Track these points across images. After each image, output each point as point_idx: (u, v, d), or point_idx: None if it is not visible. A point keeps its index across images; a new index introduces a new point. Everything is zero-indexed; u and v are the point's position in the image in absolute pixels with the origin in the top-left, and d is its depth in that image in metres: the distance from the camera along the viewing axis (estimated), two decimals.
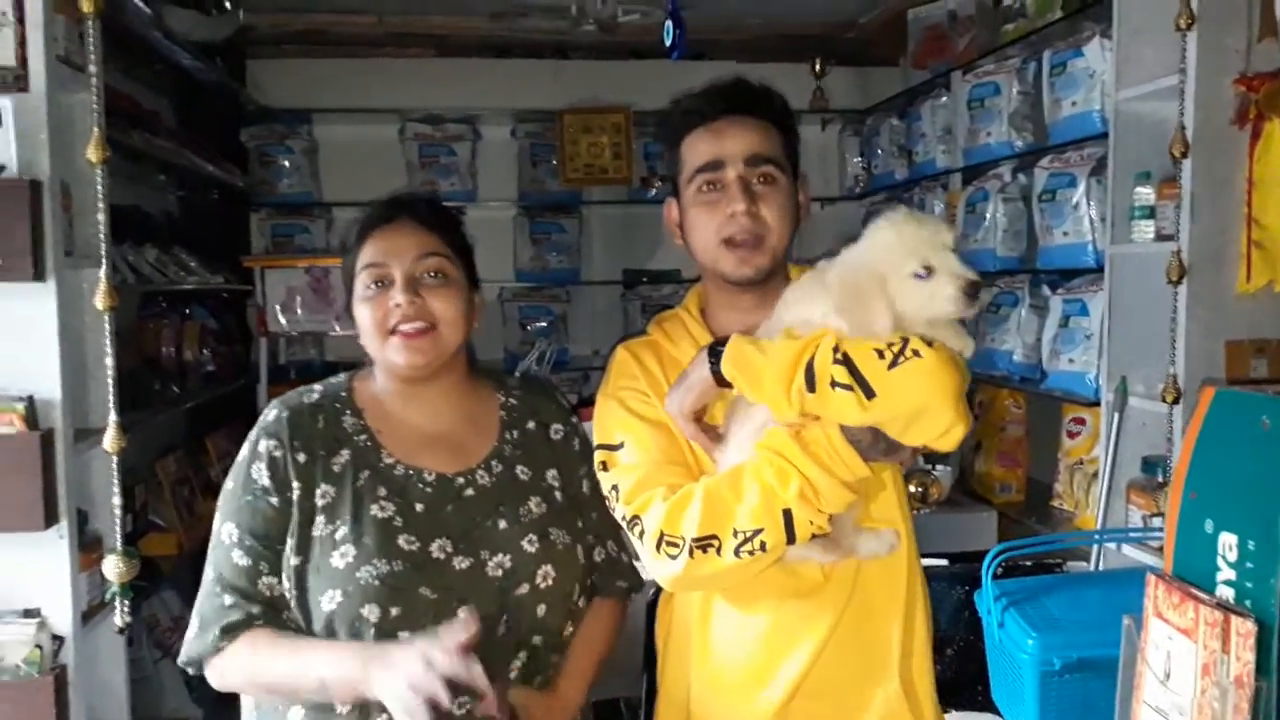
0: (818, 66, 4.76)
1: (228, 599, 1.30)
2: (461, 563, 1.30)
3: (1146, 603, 0.91)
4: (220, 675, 1.32)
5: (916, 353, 1.15)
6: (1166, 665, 0.85)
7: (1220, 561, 0.86)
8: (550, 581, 1.34)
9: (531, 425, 1.47)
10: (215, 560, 1.33)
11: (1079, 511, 3.02)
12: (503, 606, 1.31)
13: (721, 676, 1.36)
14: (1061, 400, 3.05)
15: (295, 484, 1.32)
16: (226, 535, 1.32)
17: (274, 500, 1.32)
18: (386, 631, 1.25)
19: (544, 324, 4.63)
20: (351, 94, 4.53)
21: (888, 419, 1.17)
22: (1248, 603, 0.82)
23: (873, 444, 1.19)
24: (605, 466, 1.35)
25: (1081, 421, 3.08)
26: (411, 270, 1.34)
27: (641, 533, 1.28)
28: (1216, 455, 0.89)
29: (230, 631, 1.29)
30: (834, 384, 1.15)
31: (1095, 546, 2.49)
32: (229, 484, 1.36)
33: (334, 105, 4.50)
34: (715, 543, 1.22)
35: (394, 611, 1.26)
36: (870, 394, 1.14)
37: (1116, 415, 2.52)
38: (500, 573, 1.32)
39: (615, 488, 1.32)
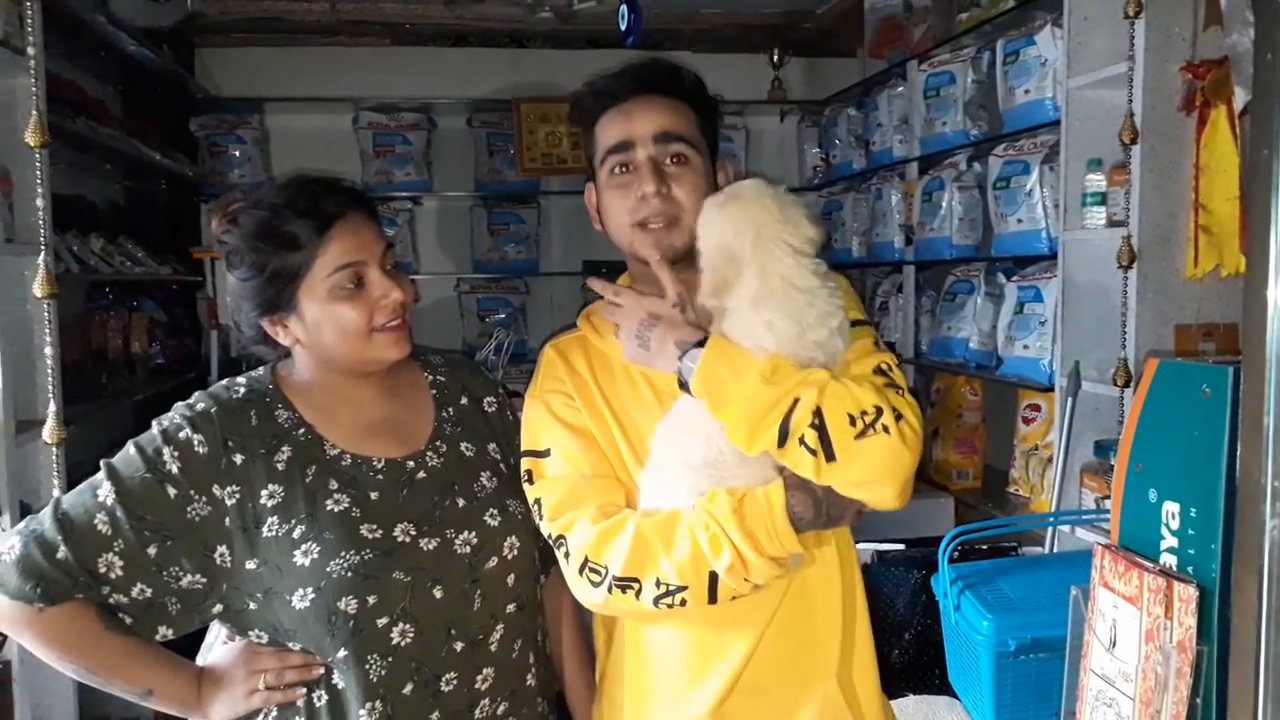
0: (776, 57, 4.77)
1: (61, 552, 1.20)
2: (428, 544, 1.30)
3: (1094, 573, 0.91)
4: (35, 636, 1.21)
5: (885, 428, 1.14)
6: (1112, 633, 0.86)
7: (1164, 530, 0.86)
8: (516, 551, 1.35)
9: (464, 401, 1.47)
10: (76, 503, 1.24)
11: (1034, 496, 3.06)
12: (475, 581, 1.32)
13: (656, 675, 1.33)
14: (1017, 386, 3.08)
15: (231, 486, 1.26)
16: (104, 493, 1.24)
17: (172, 491, 1.25)
18: (365, 622, 1.24)
19: (502, 315, 4.59)
20: (304, 83, 4.48)
21: (838, 482, 1.16)
22: (1190, 569, 0.83)
23: (814, 520, 1.18)
24: (531, 477, 1.33)
25: (1036, 408, 3.11)
26: (383, 264, 1.33)
27: (567, 553, 1.26)
28: (1160, 426, 0.90)
29: (50, 595, 1.19)
30: (802, 442, 1.14)
31: (1049, 530, 2.52)
32: (130, 450, 1.27)
33: (286, 94, 4.44)
34: (636, 586, 1.20)
35: (371, 600, 1.24)
36: (831, 458, 1.14)
37: (1070, 400, 2.54)
38: (468, 549, 1.32)
39: (539, 502, 1.30)
